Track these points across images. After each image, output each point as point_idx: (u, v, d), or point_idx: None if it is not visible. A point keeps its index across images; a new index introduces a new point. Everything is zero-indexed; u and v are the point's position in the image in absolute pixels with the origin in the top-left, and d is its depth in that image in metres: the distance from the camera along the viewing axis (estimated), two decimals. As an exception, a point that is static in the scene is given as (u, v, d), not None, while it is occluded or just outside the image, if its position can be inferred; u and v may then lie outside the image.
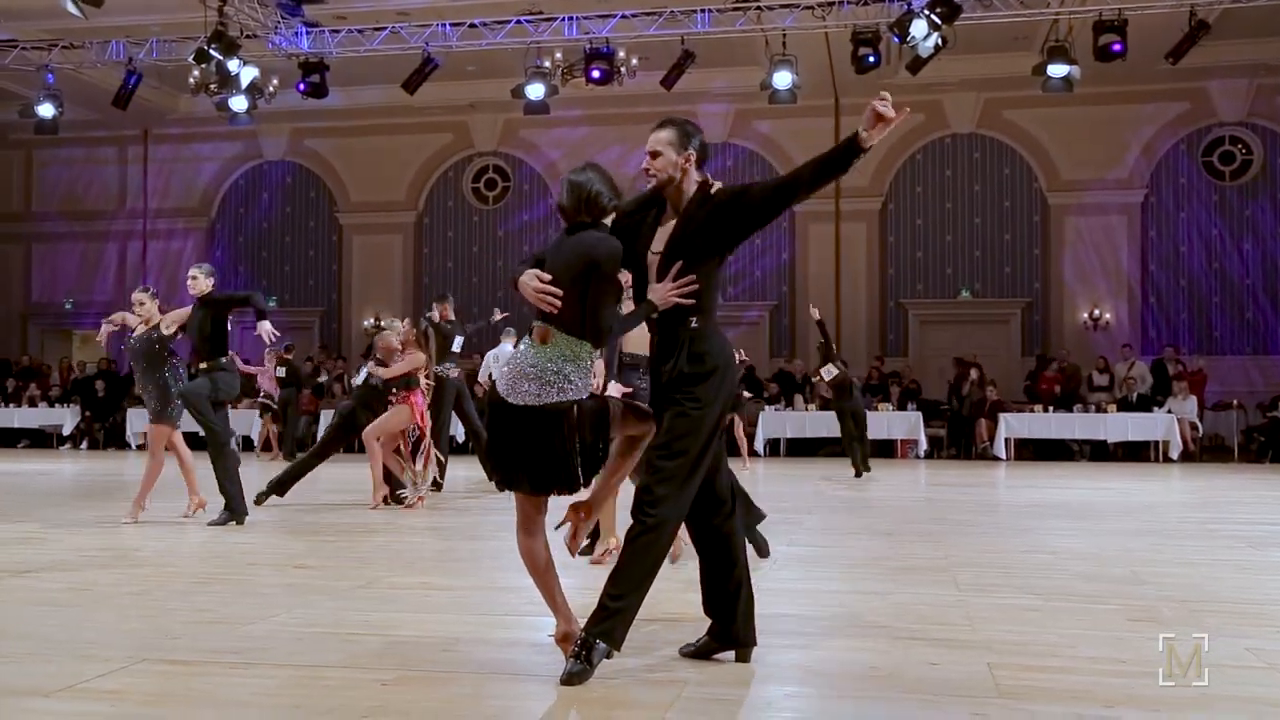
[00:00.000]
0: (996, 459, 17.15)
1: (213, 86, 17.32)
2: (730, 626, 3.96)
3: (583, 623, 3.78)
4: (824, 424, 18.18)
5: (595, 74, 16.47)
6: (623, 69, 16.70)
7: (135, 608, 5.04)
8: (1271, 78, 18.89)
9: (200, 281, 8.12)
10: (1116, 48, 15.12)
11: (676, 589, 5.09)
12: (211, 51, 15.80)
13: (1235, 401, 18.59)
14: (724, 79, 19.50)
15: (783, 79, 16.47)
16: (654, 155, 3.94)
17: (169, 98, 21.25)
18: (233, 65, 16.20)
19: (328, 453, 9.92)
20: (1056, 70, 15.86)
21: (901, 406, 18.35)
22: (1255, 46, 17.77)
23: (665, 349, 3.92)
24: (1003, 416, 17.47)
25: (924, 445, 17.68)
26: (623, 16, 16.30)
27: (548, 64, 17.10)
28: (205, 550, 7.01)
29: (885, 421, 17.88)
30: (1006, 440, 17.33)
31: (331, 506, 9.64)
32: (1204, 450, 18.14)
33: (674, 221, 3.95)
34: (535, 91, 17.07)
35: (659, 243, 3.94)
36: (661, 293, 3.85)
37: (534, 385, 3.70)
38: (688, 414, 3.80)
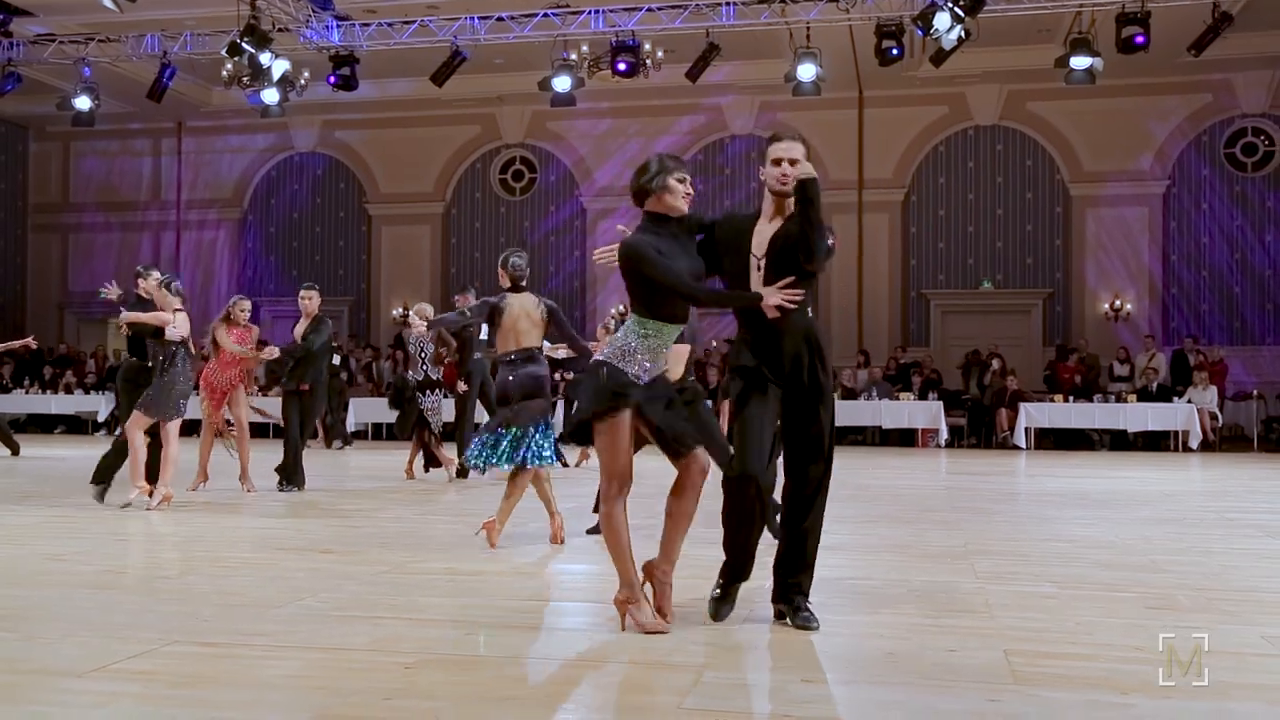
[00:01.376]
0: (1017, 448, 17.24)
1: (245, 79, 17.53)
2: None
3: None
4: (846, 413, 18.38)
5: (621, 66, 16.59)
6: (648, 61, 16.81)
7: (166, 591, 5.15)
8: (1294, 69, 18.90)
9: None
10: (1139, 40, 15.15)
11: (703, 573, 5.26)
12: (244, 45, 16.00)
13: (1255, 391, 18.66)
14: (748, 71, 19.61)
15: (806, 71, 16.56)
16: (794, 163, 4.37)
17: (202, 90, 21.54)
18: (264, 58, 16.38)
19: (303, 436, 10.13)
20: (1079, 62, 15.87)
21: (923, 396, 18.49)
22: (1278, 38, 17.76)
23: (787, 337, 4.34)
24: (1023, 406, 17.58)
25: (945, 434, 17.81)
26: (648, 10, 16.45)
27: (574, 57, 17.25)
28: (234, 535, 7.16)
29: (906, 411, 18.05)
30: (1027, 430, 17.44)
31: (358, 493, 9.78)
32: (1223, 440, 18.20)
33: (777, 224, 4.41)
34: (562, 84, 17.24)
35: (759, 247, 4.40)
36: (772, 295, 4.26)
37: (605, 349, 4.34)
38: (828, 403, 4.41)
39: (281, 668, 3.79)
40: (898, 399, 18.30)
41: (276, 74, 17.02)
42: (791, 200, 4.38)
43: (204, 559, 6.18)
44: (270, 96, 17.75)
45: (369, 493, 9.77)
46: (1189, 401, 17.28)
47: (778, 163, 4.38)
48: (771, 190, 4.43)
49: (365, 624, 4.43)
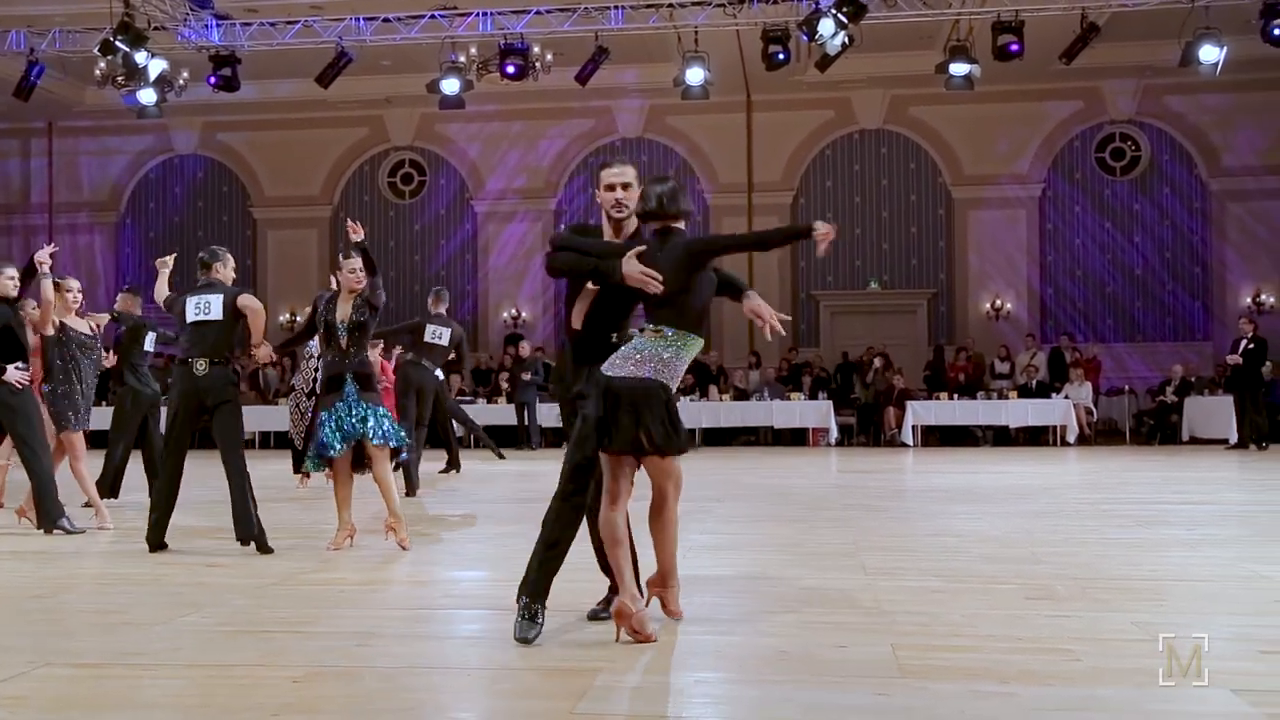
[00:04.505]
0: (905, 445, 17.66)
1: (119, 79, 16.94)
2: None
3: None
4: (738, 414, 18.63)
5: (510, 69, 16.48)
6: (537, 64, 16.75)
7: (40, 611, 4.94)
8: (1157, 78, 19.70)
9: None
10: (1014, 48, 15.64)
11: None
12: (118, 43, 15.44)
13: (1127, 387, 19.48)
14: (638, 75, 19.71)
15: (695, 75, 16.68)
16: (626, 188, 4.49)
17: (74, 89, 20.72)
18: (140, 57, 15.84)
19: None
20: (958, 69, 16.31)
21: (813, 396, 18.83)
22: (1142, 49, 18.50)
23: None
24: (910, 404, 18.02)
25: (835, 433, 18.15)
26: (537, 12, 16.36)
27: (462, 59, 17.09)
28: (114, 551, 6.89)
29: (797, 411, 18.36)
30: (914, 427, 17.88)
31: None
32: (1098, 434, 18.91)
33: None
34: (450, 86, 17.04)
35: None
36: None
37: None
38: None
39: (164, 688, 3.68)
40: (789, 399, 18.59)
41: (153, 74, 16.46)
42: (628, 224, 4.50)
43: (83, 576, 5.96)
44: (147, 97, 17.15)
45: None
46: (1066, 397, 17.91)
47: (611, 188, 4.50)
48: (607, 215, 4.54)
49: (252, 639, 4.34)
